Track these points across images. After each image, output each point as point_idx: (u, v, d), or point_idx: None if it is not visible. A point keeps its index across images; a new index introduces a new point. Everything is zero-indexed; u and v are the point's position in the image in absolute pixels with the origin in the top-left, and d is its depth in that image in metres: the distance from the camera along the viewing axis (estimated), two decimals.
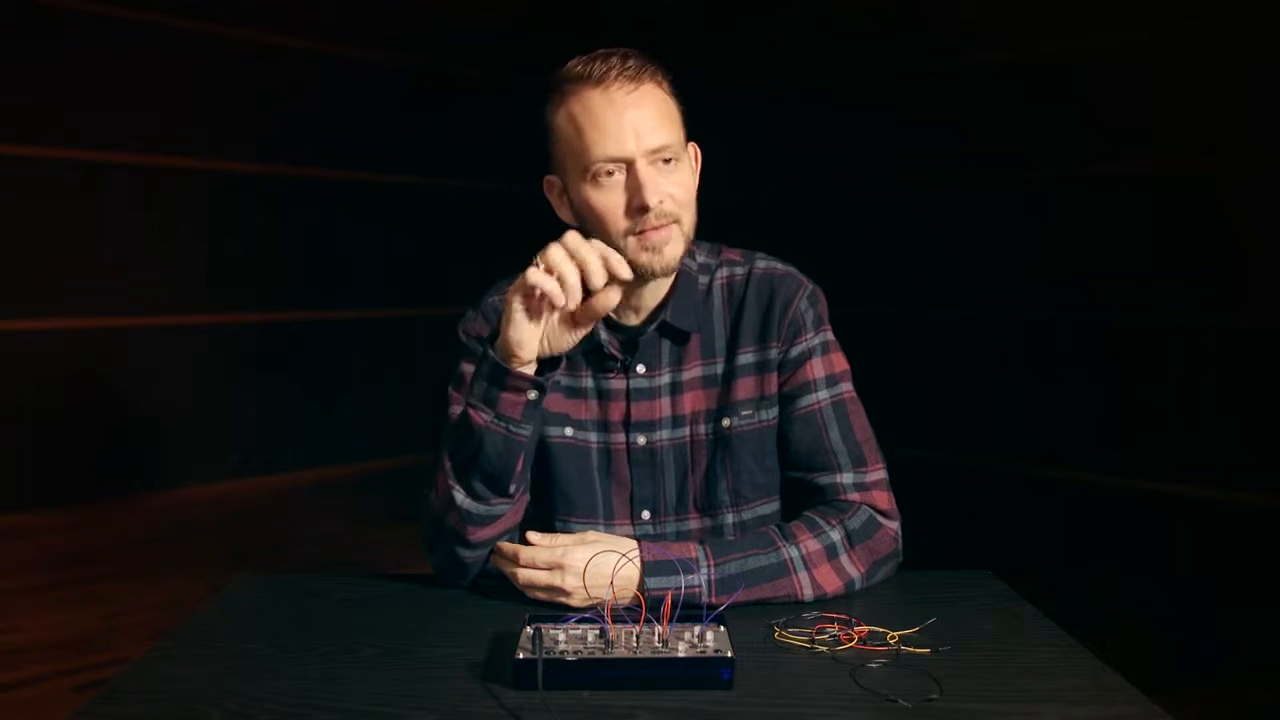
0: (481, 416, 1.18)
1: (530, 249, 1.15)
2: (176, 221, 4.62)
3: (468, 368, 1.34)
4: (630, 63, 1.21)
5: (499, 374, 1.17)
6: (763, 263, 1.36)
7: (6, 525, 4.00)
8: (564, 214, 1.30)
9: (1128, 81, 4.42)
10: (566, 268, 1.11)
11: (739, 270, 1.36)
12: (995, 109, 4.87)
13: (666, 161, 1.22)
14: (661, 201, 1.21)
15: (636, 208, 1.20)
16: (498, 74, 5.56)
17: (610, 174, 1.21)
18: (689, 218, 1.26)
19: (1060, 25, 4.59)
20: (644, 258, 1.22)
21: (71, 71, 4.22)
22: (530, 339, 1.16)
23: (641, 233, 1.21)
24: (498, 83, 5.58)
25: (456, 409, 1.32)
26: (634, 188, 1.20)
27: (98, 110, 4.32)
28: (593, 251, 1.13)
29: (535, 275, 1.12)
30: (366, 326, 5.30)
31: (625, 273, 1.14)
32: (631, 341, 1.32)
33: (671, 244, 1.23)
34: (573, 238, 1.14)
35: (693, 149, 1.30)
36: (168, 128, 4.53)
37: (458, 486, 1.21)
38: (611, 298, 1.15)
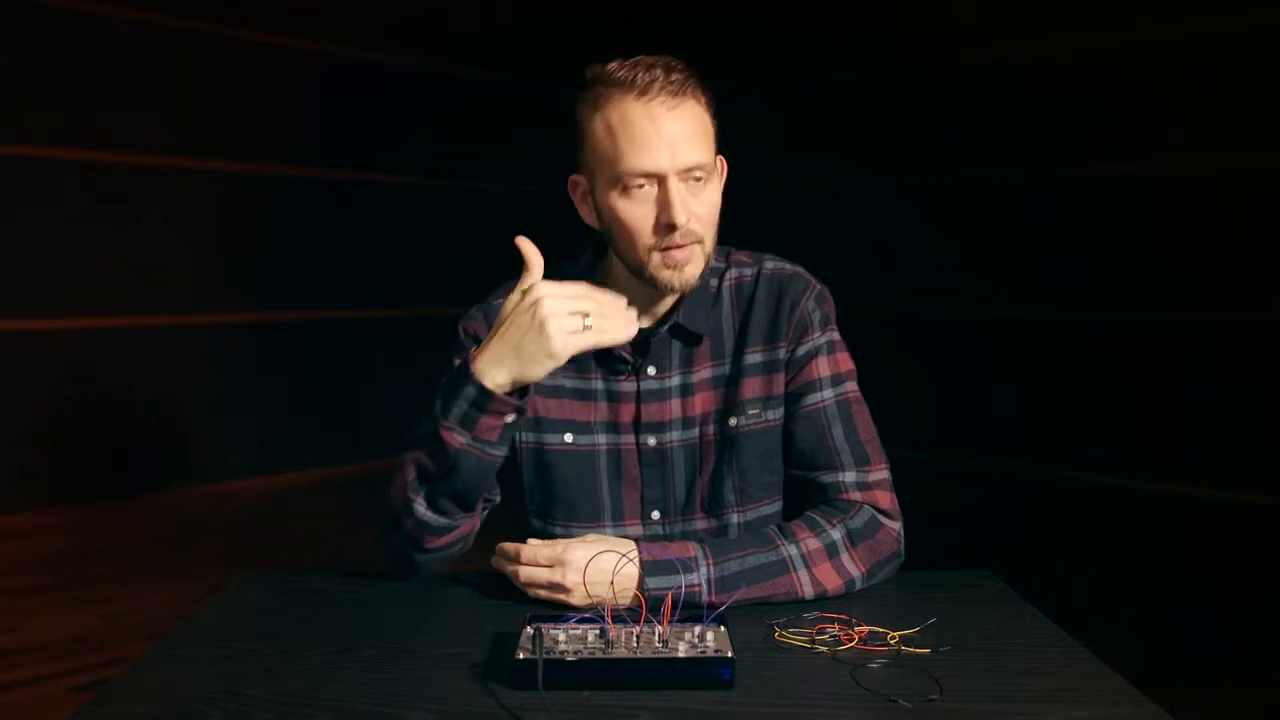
0: (457, 439, 1.17)
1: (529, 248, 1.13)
2: (176, 221, 4.62)
3: None
4: (674, 77, 1.20)
5: (482, 398, 1.16)
6: (771, 264, 1.37)
7: (6, 525, 4.01)
8: (586, 215, 1.30)
9: (1128, 81, 4.43)
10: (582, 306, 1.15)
11: (748, 271, 1.36)
12: (995, 109, 4.87)
13: (697, 180, 1.23)
14: (688, 220, 1.21)
15: (664, 224, 1.21)
16: (498, 74, 5.56)
17: (641, 187, 1.21)
18: (711, 237, 1.26)
19: (1060, 25, 4.59)
20: (665, 274, 1.23)
21: (71, 71, 4.22)
22: (505, 377, 1.16)
23: (666, 250, 1.22)
24: (498, 83, 5.58)
25: None
26: (663, 203, 1.21)
27: (98, 110, 4.32)
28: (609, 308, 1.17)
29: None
30: (366, 326, 5.30)
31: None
32: (643, 343, 1.32)
33: (693, 263, 1.24)
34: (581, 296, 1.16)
35: (720, 162, 1.29)
36: (168, 128, 4.53)
37: (419, 499, 1.21)
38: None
